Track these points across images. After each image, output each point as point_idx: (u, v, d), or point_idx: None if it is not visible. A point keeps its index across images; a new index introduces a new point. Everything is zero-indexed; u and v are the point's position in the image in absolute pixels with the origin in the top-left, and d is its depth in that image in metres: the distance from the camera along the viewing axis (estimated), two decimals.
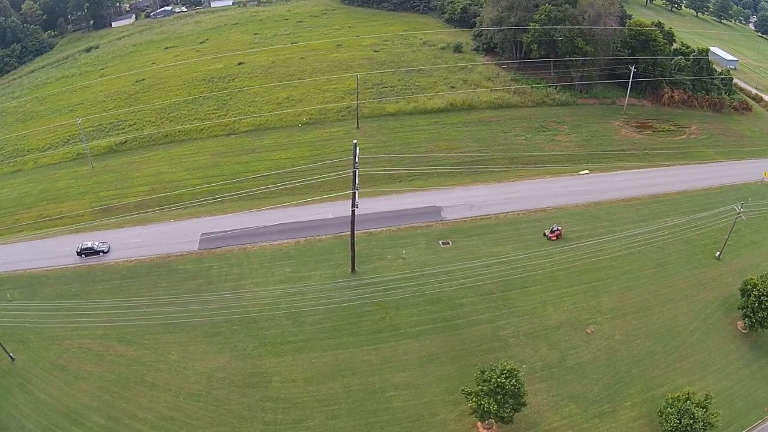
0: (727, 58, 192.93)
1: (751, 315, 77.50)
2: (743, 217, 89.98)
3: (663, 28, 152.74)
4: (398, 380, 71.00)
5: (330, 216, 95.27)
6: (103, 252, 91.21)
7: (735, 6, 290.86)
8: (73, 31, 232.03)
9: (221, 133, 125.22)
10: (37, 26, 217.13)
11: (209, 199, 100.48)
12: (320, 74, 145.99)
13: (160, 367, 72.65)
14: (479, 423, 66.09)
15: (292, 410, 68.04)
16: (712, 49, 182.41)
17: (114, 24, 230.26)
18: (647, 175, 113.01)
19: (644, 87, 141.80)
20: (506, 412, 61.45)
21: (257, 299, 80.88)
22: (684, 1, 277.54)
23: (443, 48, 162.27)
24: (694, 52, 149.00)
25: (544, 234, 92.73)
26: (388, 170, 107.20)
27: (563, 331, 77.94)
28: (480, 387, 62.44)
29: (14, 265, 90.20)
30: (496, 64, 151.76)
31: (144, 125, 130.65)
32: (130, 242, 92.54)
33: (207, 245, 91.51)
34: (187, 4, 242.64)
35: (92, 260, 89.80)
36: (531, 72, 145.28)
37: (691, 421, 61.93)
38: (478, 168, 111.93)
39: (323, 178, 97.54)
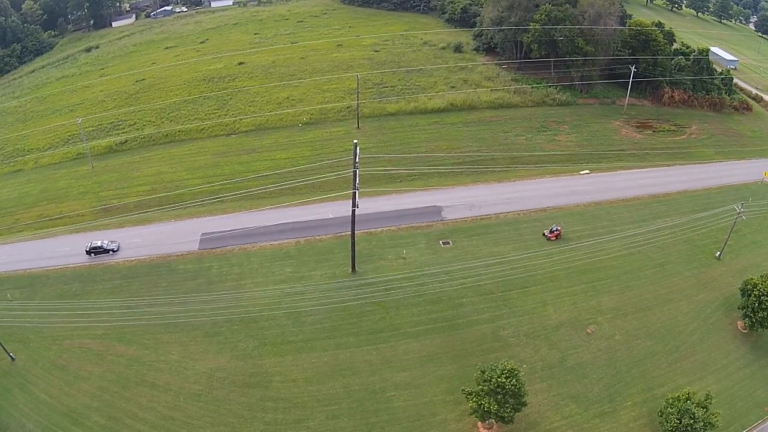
0: (727, 58, 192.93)
1: (752, 315, 77.51)
2: (743, 217, 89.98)
3: (663, 28, 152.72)
4: (398, 380, 70.99)
5: (330, 216, 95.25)
6: (113, 251, 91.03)
7: (735, 6, 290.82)
8: (74, 31, 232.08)
9: (221, 133, 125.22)
10: (38, 26, 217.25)
11: (209, 199, 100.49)
12: (320, 74, 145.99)
13: (160, 367, 72.65)
14: (480, 423, 66.07)
15: (293, 410, 68.03)
16: (713, 49, 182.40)
17: (114, 24, 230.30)
18: (647, 175, 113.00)
19: (644, 87, 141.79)
20: (507, 412, 61.45)
21: (257, 299, 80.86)
22: (684, 1, 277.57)
23: (443, 48, 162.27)
24: (695, 52, 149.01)
25: (544, 234, 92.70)
26: (388, 170, 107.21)
27: (563, 331, 77.93)
28: (480, 387, 62.43)
29: (14, 265, 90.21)
30: (496, 64, 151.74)
31: (144, 125, 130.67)
32: (130, 242, 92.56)
33: (207, 245, 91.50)
34: (188, 4, 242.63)
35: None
36: (531, 72, 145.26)
37: (692, 421, 61.92)
38: (478, 168, 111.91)
39: (323, 177, 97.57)
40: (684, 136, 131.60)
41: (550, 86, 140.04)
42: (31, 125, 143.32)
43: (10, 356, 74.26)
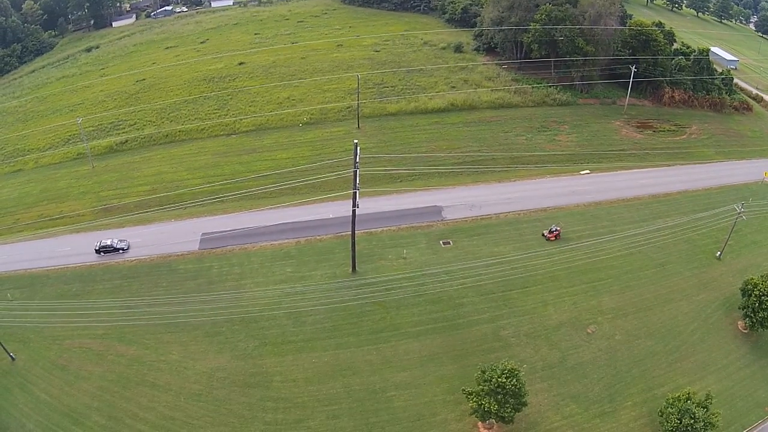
0: (727, 58, 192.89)
1: (752, 315, 77.55)
2: (744, 217, 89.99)
3: (663, 28, 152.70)
4: (399, 380, 70.98)
5: (331, 216, 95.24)
6: (123, 249, 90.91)
7: (735, 6, 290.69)
8: (74, 30, 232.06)
9: (222, 132, 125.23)
10: (38, 26, 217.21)
11: (210, 199, 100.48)
12: (321, 74, 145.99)
13: (160, 367, 72.64)
14: (480, 423, 66.06)
15: (293, 410, 68.03)
16: (713, 49, 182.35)
17: (114, 24, 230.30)
18: (648, 175, 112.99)
19: (645, 87, 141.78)
20: (507, 412, 61.44)
21: (258, 299, 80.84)
22: (684, 1, 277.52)
23: (444, 48, 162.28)
24: (695, 52, 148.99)
25: (543, 234, 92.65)
26: (388, 170, 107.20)
27: (564, 330, 77.92)
28: (481, 387, 62.42)
29: (15, 265, 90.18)
30: (496, 64, 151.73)
31: (144, 125, 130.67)
32: (130, 242, 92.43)
33: (207, 245, 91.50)
34: (188, 4, 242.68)
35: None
36: (531, 72, 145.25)
37: (692, 421, 61.93)
38: (478, 168, 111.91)
39: (324, 177, 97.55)
40: (684, 136, 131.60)
41: (550, 86, 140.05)
42: (32, 125, 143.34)
43: (11, 356, 74.25)
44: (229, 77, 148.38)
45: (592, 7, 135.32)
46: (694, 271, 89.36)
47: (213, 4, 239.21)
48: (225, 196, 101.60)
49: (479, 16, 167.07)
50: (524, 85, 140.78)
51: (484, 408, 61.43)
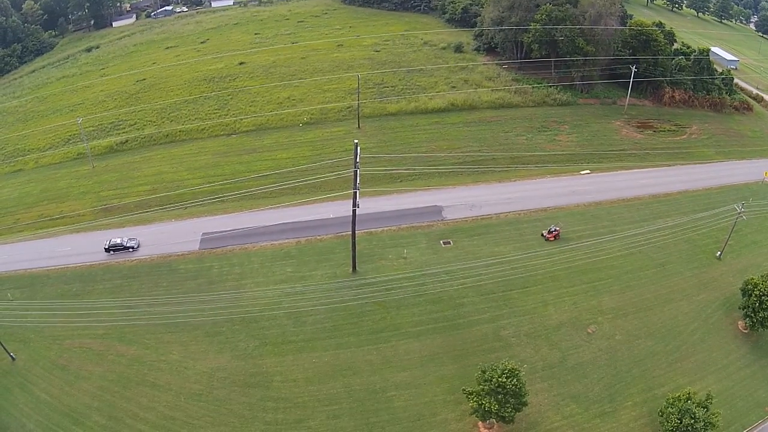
0: (727, 58, 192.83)
1: (752, 315, 77.56)
2: (744, 217, 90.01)
3: (664, 28, 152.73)
4: (399, 380, 70.98)
5: (331, 216, 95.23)
6: (132, 248, 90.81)
7: (736, 6, 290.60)
8: (74, 31, 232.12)
9: (222, 132, 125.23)
10: (38, 26, 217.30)
11: (210, 199, 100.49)
12: (321, 74, 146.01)
13: (161, 367, 72.64)
14: (480, 423, 66.06)
15: (293, 410, 68.03)
16: (713, 49, 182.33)
17: (115, 24, 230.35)
18: (648, 175, 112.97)
19: (645, 87, 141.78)
20: (507, 412, 61.44)
21: (258, 299, 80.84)
22: (685, 1, 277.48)
23: (444, 48, 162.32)
24: (695, 52, 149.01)
25: (542, 235, 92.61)
26: (389, 170, 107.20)
27: (564, 330, 77.92)
28: (481, 387, 62.42)
29: (15, 265, 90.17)
30: (496, 64, 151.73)
31: (145, 125, 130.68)
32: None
33: (208, 245, 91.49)
34: (188, 3, 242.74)
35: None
36: (532, 72, 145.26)
37: (692, 421, 61.93)
38: (479, 168, 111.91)
39: (324, 177, 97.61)
40: (684, 136, 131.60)
41: (550, 86, 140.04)
42: (32, 125, 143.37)
43: (11, 356, 74.27)
44: (229, 77, 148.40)
45: (592, 7, 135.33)
46: (695, 271, 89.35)
47: (213, 4, 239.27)
48: (225, 196, 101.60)
49: (479, 16, 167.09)
50: (524, 85, 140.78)
51: (484, 408, 61.43)
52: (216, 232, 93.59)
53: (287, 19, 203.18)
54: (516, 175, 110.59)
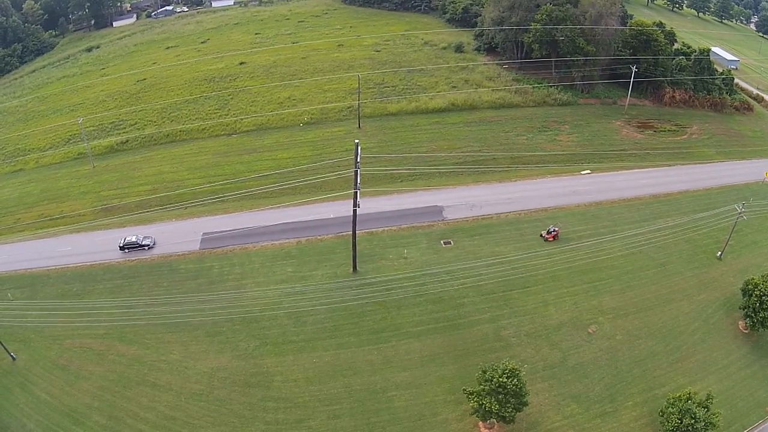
0: (728, 58, 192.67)
1: (753, 315, 77.54)
2: (744, 217, 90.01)
3: (664, 28, 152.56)
4: (400, 380, 70.97)
5: (331, 216, 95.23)
6: (148, 246, 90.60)
7: (736, 6, 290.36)
8: (74, 30, 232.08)
9: (222, 132, 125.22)
10: (38, 26, 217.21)
11: (210, 199, 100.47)
12: (321, 74, 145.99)
13: (161, 367, 72.65)
14: (481, 423, 66.04)
15: (294, 410, 68.03)
16: (713, 49, 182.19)
17: (115, 24, 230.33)
18: (648, 175, 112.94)
19: (645, 87, 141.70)
20: (508, 412, 61.44)
21: (258, 299, 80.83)
22: (685, 1, 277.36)
23: (444, 48, 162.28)
24: (696, 52, 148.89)
25: (541, 235, 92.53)
26: (389, 170, 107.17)
27: (565, 330, 77.90)
28: (482, 387, 62.43)
29: (15, 265, 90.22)
30: (497, 64, 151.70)
31: (145, 125, 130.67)
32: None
33: (208, 245, 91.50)
34: (189, 3, 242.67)
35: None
36: (532, 72, 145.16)
37: (693, 421, 61.91)
38: (479, 168, 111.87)
39: (324, 177, 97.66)
40: (685, 136, 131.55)
41: (551, 86, 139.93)
42: (32, 125, 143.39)
43: (11, 356, 74.31)
44: (229, 77, 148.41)
45: (592, 7, 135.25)
46: (695, 271, 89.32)
47: (214, 4, 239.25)
48: (226, 196, 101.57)
49: (480, 16, 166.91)
50: (525, 85, 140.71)
51: (485, 408, 61.44)
52: (216, 232, 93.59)
53: (288, 19, 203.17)
54: (516, 175, 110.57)
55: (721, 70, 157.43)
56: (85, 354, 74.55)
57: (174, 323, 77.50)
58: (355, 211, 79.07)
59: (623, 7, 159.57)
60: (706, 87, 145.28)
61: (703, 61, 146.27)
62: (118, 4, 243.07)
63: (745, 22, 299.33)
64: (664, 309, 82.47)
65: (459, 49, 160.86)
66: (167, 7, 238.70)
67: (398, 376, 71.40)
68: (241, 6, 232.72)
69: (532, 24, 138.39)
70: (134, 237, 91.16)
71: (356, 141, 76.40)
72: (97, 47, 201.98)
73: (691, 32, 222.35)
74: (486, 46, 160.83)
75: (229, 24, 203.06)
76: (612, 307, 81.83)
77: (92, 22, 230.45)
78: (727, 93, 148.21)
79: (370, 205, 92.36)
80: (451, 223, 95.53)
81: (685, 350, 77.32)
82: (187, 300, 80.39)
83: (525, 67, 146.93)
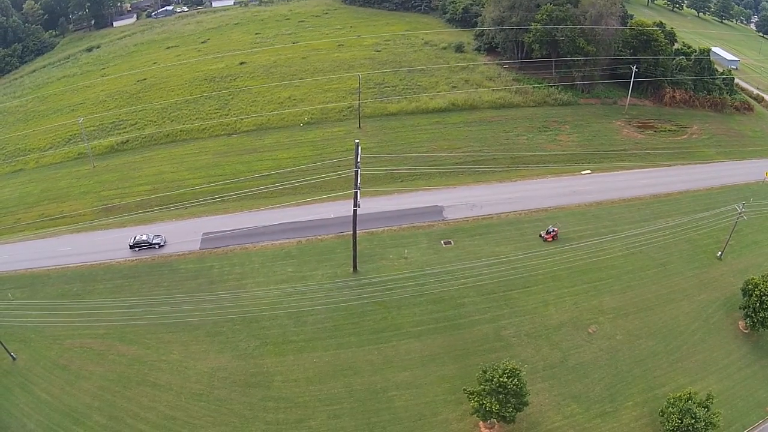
0: (728, 58, 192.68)
1: (753, 315, 77.55)
2: (745, 217, 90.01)
3: (664, 28, 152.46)
4: (400, 380, 70.96)
5: (332, 216, 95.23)
6: (159, 245, 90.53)
7: (736, 6, 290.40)
8: (75, 30, 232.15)
9: (223, 132, 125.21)
10: (39, 26, 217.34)
11: (211, 199, 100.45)
12: (322, 74, 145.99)
13: (161, 367, 72.64)
14: (481, 423, 66.02)
15: (294, 410, 68.01)
16: (714, 49, 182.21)
17: (115, 24, 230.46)
18: (649, 174, 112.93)
19: (646, 87, 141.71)
20: (508, 412, 61.45)
21: (259, 299, 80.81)
22: (685, 2, 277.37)
23: (445, 48, 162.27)
24: (696, 52, 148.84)
25: (540, 235, 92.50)
26: (389, 170, 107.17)
27: (565, 330, 77.89)
28: (482, 386, 62.44)
29: (16, 265, 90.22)
30: (497, 63, 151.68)
31: (145, 125, 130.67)
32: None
33: (208, 245, 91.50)
34: (189, 3, 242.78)
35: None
36: (532, 72, 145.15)
37: (693, 421, 61.91)
38: (479, 168, 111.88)
39: (325, 177, 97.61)
40: (685, 136, 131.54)
41: (551, 86, 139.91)
42: (33, 125, 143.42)
43: (12, 356, 74.31)
44: (230, 77, 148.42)
45: (593, 7, 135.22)
46: (695, 271, 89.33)
47: (214, 4, 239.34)
48: (226, 196, 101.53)
49: (480, 16, 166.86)
50: (525, 85, 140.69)
51: (485, 408, 61.45)
52: (217, 232, 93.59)
53: (288, 19, 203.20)
54: (517, 175, 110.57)
55: (721, 70, 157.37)
56: (85, 354, 74.54)
57: (174, 323, 77.49)
58: (355, 211, 79.05)
59: (623, 7, 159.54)
60: (706, 87, 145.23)
61: (703, 61, 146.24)
62: (119, 4, 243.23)
63: (745, 22, 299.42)
64: (665, 309, 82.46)
65: (459, 49, 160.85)
66: (167, 7, 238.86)
67: (399, 376, 71.39)
68: (241, 6, 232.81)
69: (533, 24, 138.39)
70: (145, 236, 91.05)
71: (356, 141, 76.39)
72: (98, 47, 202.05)
73: (692, 32, 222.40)
74: (486, 46, 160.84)
75: (230, 24, 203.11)
76: (612, 307, 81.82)
77: (92, 22, 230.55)
78: (727, 93, 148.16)
79: (370, 205, 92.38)
80: (452, 223, 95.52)
81: (686, 350, 77.32)
82: (188, 300, 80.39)
83: (525, 67, 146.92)
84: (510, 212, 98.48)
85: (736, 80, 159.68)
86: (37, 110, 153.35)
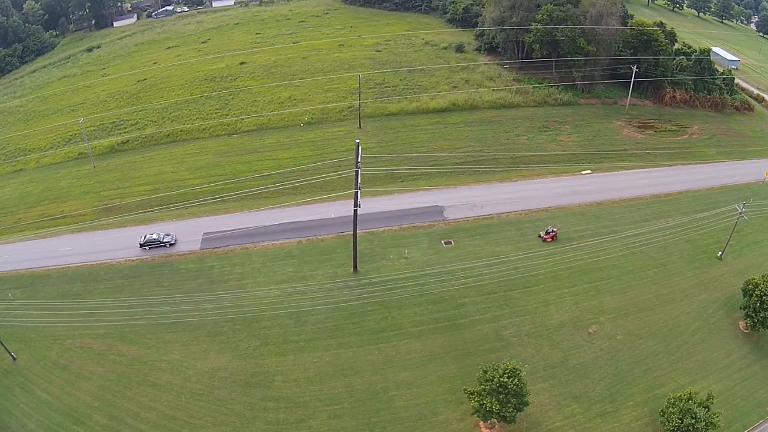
0: (728, 58, 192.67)
1: (753, 315, 77.53)
2: (745, 217, 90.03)
3: (665, 28, 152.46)
4: (400, 380, 70.96)
5: (332, 215, 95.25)
6: (170, 244, 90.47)
7: (736, 6, 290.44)
8: (75, 30, 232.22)
9: (223, 132, 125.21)
10: (39, 26, 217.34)
11: (211, 199, 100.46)
12: (322, 74, 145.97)
13: (162, 367, 72.65)
14: (481, 422, 66.01)
15: (294, 410, 68.01)
16: (714, 49, 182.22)
17: (115, 24, 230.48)
18: (649, 174, 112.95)
19: (646, 87, 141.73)
20: (508, 412, 61.44)
21: (259, 299, 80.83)
22: (685, 1, 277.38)
23: (445, 48, 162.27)
24: (696, 52, 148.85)
25: (539, 236, 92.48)
26: (390, 170, 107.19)
27: (565, 330, 77.89)
28: (482, 386, 62.42)
29: (16, 265, 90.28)
30: (498, 63, 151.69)
31: (146, 125, 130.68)
32: (132, 242, 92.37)
33: (209, 245, 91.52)
34: (189, 3, 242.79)
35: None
36: (533, 72, 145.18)
37: (693, 421, 61.88)
38: (480, 168, 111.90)
39: (325, 177, 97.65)
40: (685, 136, 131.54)
41: (551, 86, 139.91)
42: (33, 125, 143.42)
43: (12, 356, 74.32)
44: (230, 77, 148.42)
45: (593, 7, 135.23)
46: (696, 271, 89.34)
47: (214, 4, 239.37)
48: (226, 196, 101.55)
49: (480, 16, 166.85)
50: (525, 85, 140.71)
51: (485, 408, 61.44)
52: (217, 232, 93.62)
53: (288, 19, 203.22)
54: (517, 175, 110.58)
55: (721, 70, 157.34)
56: (85, 354, 74.56)
57: (174, 323, 77.51)
58: (355, 211, 79.07)
59: (624, 7, 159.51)
60: (706, 87, 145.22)
61: (703, 61, 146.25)
62: (119, 4, 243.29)
63: (745, 22, 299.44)
64: (665, 309, 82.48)
65: (460, 49, 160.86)
66: (168, 7, 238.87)
67: (399, 375, 71.40)
68: (241, 6, 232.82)
69: (533, 24, 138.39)
70: (155, 234, 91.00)
71: (357, 141, 76.41)
72: (98, 47, 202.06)
73: (692, 32, 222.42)
74: (487, 46, 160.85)
75: (230, 24, 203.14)
76: (613, 307, 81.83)
77: (93, 22, 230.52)
78: (727, 93, 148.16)
79: (370, 204, 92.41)
80: (452, 223, 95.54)
81: (686, 350, 77.32)
82: (188, 300, 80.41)
83: (526, 67, 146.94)
84: (510, 212, 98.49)
85: (737, 80, 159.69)
86: (38, 110, 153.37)
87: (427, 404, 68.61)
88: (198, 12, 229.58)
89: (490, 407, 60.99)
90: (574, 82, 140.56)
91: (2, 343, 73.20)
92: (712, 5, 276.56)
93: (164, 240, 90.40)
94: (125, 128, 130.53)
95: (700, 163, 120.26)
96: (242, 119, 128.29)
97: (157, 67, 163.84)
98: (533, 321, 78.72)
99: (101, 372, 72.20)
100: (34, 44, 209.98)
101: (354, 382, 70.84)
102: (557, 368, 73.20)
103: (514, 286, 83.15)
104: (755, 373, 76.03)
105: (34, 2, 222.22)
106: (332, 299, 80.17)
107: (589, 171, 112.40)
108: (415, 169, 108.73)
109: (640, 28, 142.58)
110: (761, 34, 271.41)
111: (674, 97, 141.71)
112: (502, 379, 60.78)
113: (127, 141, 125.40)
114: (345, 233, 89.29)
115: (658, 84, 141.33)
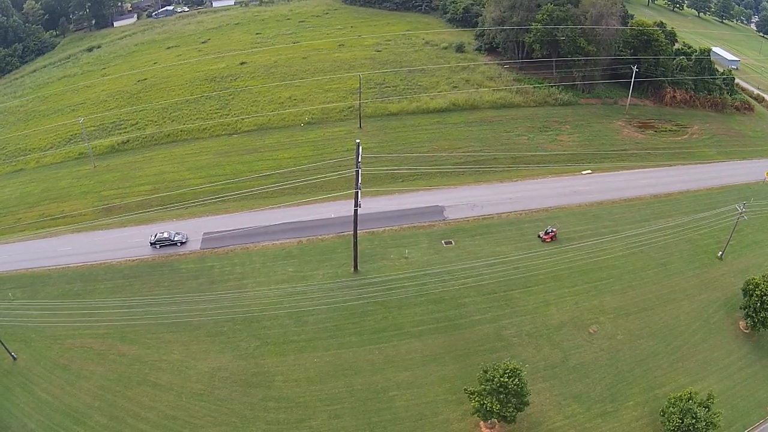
0: (728, 58, 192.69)
1: (753, 315, 77.56)
2: (745, 217, 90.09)
3: (665, 28, 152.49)
4: (401, 380, 70.96)
5: (332, 215, 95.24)
6: (181, 242, 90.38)
7: (737, 6, 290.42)
8: (75, 30, 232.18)
9: (223, 132, 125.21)
10: (39, 26, 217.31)
11: (211, 199, 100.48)
12: (322, 74, 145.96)
13: (162, 367, 72.64)
14: (482, 422, 66.01)
15: (295, 410, 68.01)
16: (714, 49, 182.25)
17: (116, 24, 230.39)
18: (649, 174, 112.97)
19: (646, 87, 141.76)
20: (509, 412, 61.42)
21: (259, 298, 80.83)
22: (686, 2, 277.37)
23: (445, 48, 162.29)
24: (696, 52, 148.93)
25: (539, 236, 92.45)
26: (390, 170, 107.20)
27: (566, 330, 77.89)
28: (483, 386, 62.42)
29: (16, 265, 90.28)
30: (498, 63, 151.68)
31: (146, 125, 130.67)
32: (132, 241, 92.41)
33: (209, 245, 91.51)
34: (189, 3, 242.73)
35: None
36: (533, 72, 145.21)
37: (694, 421, 61.88)
38: (480, 168, 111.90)
39: (325, 177, 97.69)
40: (686, 136, 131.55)
41: (552, 86, 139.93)
42: (33, 125, 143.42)
43: (12, 356, 74.31)
44: (230, 77, 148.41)
45: (593, 7, 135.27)
46: (696, 271, 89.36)
47: (214, 4, 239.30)
48: (226, 196, 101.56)
49: (481, 16, 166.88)
50: (526, 85, 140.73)
51: (486, 407, 61.44)
52: (217, 232, 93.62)
53: (288, 19, 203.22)
54: (517, 175, 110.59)
55: (721, 70, 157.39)
56: (85, 354, 74.56)
57: (175, 323, 77.52)
58: (356, 211, 79.07)
59: (624, 7, 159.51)
60: (706, 87, 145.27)
61: (703, 61, 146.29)
62: (119, 4, 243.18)
63: (745, 22, 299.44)
64: (665, 309, 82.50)
65: (460, 49, 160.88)
66: (168, 7, 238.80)
67: (399, 375, 71.40)
68: (241, 6, 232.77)
69: (533, 24, 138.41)
70: (166, 233, 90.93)
71: (357, 141, 76.48)
72: (98, 47, 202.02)
73: (692, 32, 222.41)
74: (487, 46, 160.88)
75: (230, 24, 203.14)
76: (613, 306, 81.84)
77: (93, 22, 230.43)
78: (727, 93, 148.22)
79: (371, 204, 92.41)
80: (452, 223, 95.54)
81: (686, 350, 77.33)
82: (188, 300, 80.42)
83: (526, 67, 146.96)
84: (511, 212, 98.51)
85: (737, 80, 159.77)
86: (38, 110, 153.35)
87: (428, 404, 68.61)
88: (198, 12, 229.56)
89: (491, 407, 60.99)
90: (574, 82, 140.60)
91: (2, 343, 73.20)
92: (712, 5, 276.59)
93: (175, 239, 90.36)
94: (125, 128, 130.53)
95: (700, 163, 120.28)
96: (242, 119, 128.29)
97: (158, 67, 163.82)
98: (534, 321, 78.72)
99: (101, 372, 72.20)
100: (35, 44, 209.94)
101: (354, 382, 70.84)
102: (558, 368, 73.20)
103: (514, 286, 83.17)
104: (755, 373, 76.05)
105: (34, 2, 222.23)
106: (332, 299, 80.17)
107: (589, 171, 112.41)
108: (416, 169, 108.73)
109: (641, 28, 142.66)
110: (761, 34, 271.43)
111: (674, 97, 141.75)
112: (502, 379, 60.78)
113: (128, 141, 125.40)
114: (345, 233, 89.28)
115: (658, 84, 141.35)
